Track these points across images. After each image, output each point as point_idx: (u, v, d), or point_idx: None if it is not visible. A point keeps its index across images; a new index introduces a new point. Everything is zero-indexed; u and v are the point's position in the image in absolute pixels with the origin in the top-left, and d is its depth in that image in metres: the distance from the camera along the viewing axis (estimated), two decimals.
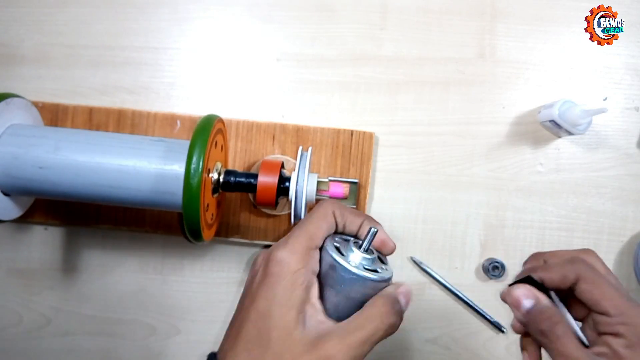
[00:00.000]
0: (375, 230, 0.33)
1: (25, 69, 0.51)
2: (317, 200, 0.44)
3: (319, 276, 0.34)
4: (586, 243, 0.52)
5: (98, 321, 0.52)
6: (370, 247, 0.34)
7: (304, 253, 0.32)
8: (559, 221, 0.52)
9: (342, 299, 0.33)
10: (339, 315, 0.33)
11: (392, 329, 0.32)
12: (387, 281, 0.34)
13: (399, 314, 0.33)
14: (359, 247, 0.34)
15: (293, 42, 0.52)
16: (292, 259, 0.32)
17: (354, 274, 0.33)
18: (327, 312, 0.33)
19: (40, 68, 0.51)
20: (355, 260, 0.33)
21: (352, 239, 0.36)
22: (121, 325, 0.52)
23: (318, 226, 0.34)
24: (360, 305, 0.33)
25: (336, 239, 0.35)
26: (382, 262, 0.36)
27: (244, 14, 0.52)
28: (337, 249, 0.34)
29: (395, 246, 0.36)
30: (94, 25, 0.51)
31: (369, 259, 0.34)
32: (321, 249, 0.34)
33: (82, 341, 0.52)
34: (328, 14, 0.52)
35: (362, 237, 0.35)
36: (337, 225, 0.35)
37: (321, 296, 0.33)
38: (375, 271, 0.33)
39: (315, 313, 0.32)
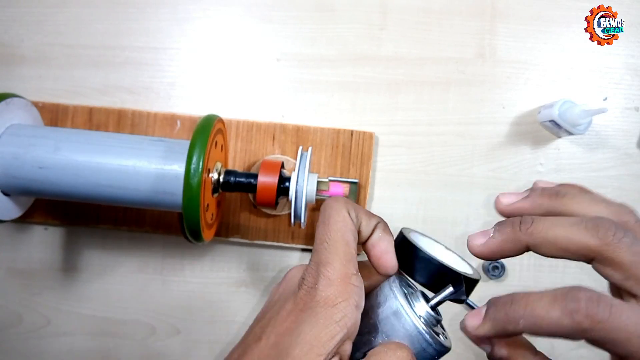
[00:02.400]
0: (454, 291, 0.27)
1: (25, 69, 0.51)
2: (317, 201, 0.44)
3: (364, 314, 0.27)
4: None
5: (98, 321, 0.52)
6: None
7: (343, 282, 0.26)
8: None
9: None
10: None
11: None
12: (446, 353, 0.28)
13: None
14: (427, 300, 0.28)
15: (293, 42, 0.52)
16: (329, 290, 0.25)
17: (423, 336, 0.26)
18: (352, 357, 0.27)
19: (40, 68, 0.51)
20: (419, 314, 0.28)
21: (419, 289, 0.29)
22: (121, 325, 0.52)
23: (347, 241, 0.27)
24: None
25: (402, 280, 0.29)
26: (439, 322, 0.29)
27: (243, 14, 0.52)
28: (406, 295, 0.28)
29: (394, 269, 0.29)
30: (94, 25, 0.51)
31: (433, 318, 0.28)
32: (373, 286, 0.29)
33: (82, 341, 0.52)
34: (328, 14, 0.52)
35: (374, 245, 0.29)
36: None
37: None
38: (438, 335, 0.27)
39: None
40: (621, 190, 0.52)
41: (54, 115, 0.50)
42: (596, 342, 0.22)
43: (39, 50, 0.51)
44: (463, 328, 0.26)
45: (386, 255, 0.29)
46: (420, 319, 0.27)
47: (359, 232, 0.29)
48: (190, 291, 0.52)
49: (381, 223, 0.30)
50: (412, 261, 0.29)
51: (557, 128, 0.49)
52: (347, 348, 0.26)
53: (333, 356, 0.25)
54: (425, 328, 0.27)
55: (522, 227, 0.25)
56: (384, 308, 0.27)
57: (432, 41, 0.52)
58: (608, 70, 0.52)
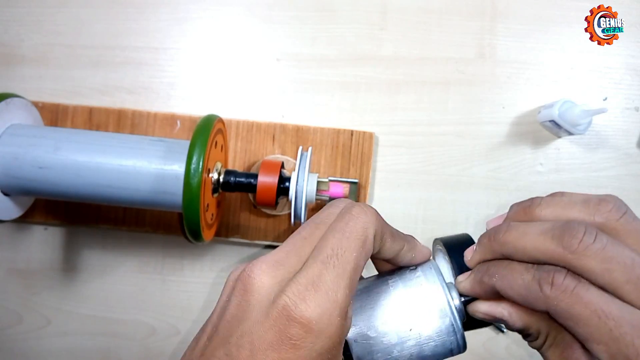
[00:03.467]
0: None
1: (25, 69, 0.51)
2: (317, 201, 0.44)
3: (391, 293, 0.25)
4: None
5: (98, 321, 0.52)
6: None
7: (345, 314, 0.22)
8: None
9: None
10: None
11: None
12: (460, 353, 0.27)
13: None
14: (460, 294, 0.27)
15: (293, 42, 0.52)
16: (332, 328, 0.21)
17: (455, 328, 0.26)
18: None
19: (40, 68, 0.51)
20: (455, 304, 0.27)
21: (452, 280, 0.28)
22: (121, 325, 0.52)
23: (358, 266, 0.23)
24: None
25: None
26: None
27: (244, 14, 0.52)
28: (445, 283, 0.27)
29: (430, 255, 0.29)
30: (94, 25, 0.51)
31: (462, 313, 0.27)
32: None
33: (82, 341, 0.52)
34: (328, 14, 0.52)
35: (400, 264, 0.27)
36: None
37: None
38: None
39: None
40: (621, 190, 0.52)
41: (54, 115, 0.50)
42: (559, 315, 0.22)
43: (39, 50, 0.51)
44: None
45: (418, 255, 0.27)
46: (459, 317, 0.26)
47: (379, 251, 0.26)
48: (190, 291, 0.52)
49: (407, 244, 0.27)
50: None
51: (557, 128, 0.49)
52: None
53: None
54: (459, 320, 0.26)
55: (495, 238, 0.25)
56: (429, 303, 0.26)
57: (432, 41, 0.52)
58: (608, 70, 0.52)
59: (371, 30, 0.52)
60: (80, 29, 0.51)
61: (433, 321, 0.25)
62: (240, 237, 0.50)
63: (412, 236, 0.28)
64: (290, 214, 0.42)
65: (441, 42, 0.52)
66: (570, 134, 0.48)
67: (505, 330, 0.51)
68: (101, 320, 0.52)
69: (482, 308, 0.26)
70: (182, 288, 0.52)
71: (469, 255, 0.27)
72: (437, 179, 0.52)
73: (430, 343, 0.25)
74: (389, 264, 0.28)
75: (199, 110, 0.51)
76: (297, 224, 0.43)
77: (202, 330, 0.24)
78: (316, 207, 0.50)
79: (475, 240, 0.28)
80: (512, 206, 0.27)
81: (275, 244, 0.50)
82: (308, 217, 0.50)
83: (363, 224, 0.23)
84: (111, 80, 0.51)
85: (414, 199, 0.52)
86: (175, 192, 0.40)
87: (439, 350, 0.25)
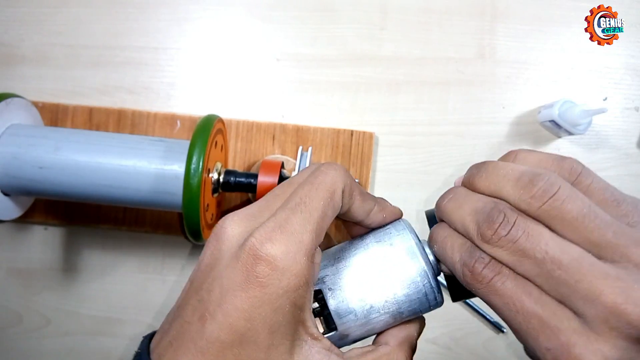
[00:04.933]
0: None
1: (25, 69, 0.51)
2: None
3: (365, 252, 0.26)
4: None
5: (98, 321, 0.52)
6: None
7: (311, 257, 0.22)
8: None
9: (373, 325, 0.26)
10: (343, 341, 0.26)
11: None
12: (437, 307, 0.27)
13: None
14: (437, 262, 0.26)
15: (293, 42, 0.52)
16: (297, 267, 0.21)
17: (430, 282, 0.25)
18: (332, 332, 0.25)
19: (40, 68, 0.51)
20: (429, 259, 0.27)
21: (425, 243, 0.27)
22: (121, 325, 0.52)
23: (326, 215, 0.23)
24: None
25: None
26: None
27: (244, 14, 0.52)
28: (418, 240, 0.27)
29: (401, 213, 0.28)
30: (94, 25, 0.51)
31: (436, 269, 0.27)
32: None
33: (82, 341, 0.52)
34: (328, 14, 0.52)
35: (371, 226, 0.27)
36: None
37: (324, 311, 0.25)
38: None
39: (316, 342, 0.23)
40: (621, 190, 0.52)
41: (54, 115, 0.50)
42: (481, 298, 0.23)
43: (39, 50, 0.51)
44: None
45: (389, 215, 0.27)
46: (429, 264, 0.26)
47: (348, 211, 0.26)
48: None
49: (377, 205, 0.27)
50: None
51: (557, 128, 0.49)
52: (308, 313, 0.24)
53: (298, 326, 0.22)
54: (429, 261, 0.26)
55: (439, 203, 0.26)
56: (398, 248, 0.26)
57: (432, 41, 0.52)
58: (608, 70, 0.52)
59: (371, 30, 0.52)
60: (80, 29, 0.51)
61: (404, 264, 0.25)
62: None
63: (382, 198, 0.28)
64: None
65: (441, 42, 0.52)
66: (570, 134, 0.48)
67: (505, 330, 0.51)
68: (101, 320, 0.52)
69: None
70: (182, 288, 0.52)
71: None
72: (437, 179, 0.52)
73: (404, 288, 0.25)
74: (362, 229, 0.28)
75: (199, 110, 0.51)
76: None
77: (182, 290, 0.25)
78: None
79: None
80: (469, 167, 0.26)
81: None
82: None
83: (332, 177, 0.24)
84: (111, 80, 0.51)
85: (414, 198, 0.52)
86: (175, 192, 0.40)
87: (413, 296, 0.25)
